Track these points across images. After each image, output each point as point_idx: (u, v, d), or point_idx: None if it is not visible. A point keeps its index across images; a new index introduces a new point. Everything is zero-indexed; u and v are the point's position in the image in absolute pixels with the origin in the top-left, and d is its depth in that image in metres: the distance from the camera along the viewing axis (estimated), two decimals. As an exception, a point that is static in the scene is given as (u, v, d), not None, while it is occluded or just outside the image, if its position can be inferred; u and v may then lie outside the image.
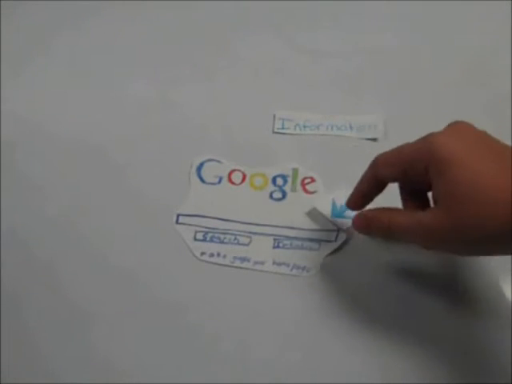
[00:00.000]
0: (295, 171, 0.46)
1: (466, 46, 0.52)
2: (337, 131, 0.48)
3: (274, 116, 0.49)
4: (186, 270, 0.42)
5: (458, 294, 0.41)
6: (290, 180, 0.46)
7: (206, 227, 0.44)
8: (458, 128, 0.34)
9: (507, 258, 0.42)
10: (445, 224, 0.32)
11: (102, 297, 0.41)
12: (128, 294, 0.41)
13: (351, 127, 0.48)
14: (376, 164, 0.37)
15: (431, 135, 0.34)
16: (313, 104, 0.49)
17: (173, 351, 0.40)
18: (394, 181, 0.37)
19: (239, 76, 0.51)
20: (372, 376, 0.39)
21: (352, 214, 0.42)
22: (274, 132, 0.48)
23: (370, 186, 0.38)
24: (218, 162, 0.47)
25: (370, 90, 0.50)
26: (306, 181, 0.46)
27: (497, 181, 0.31)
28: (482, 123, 0.48)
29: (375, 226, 0.37)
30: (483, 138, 0.34)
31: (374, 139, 0.47)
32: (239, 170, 0.46)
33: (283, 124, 0.48)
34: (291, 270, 0.42)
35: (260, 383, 0.39)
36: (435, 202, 0.34)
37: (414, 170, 0.35)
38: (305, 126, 0.48)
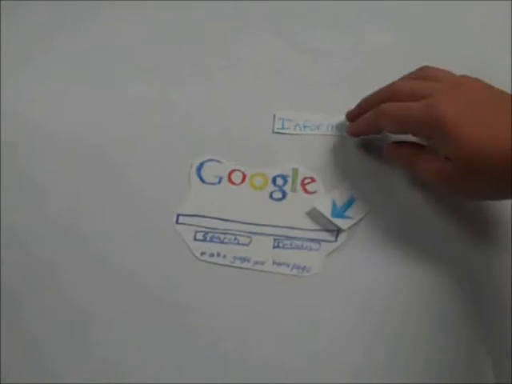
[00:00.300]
0: (295, 171, 0.46)
1: (466, 46, 0.52)
2: (337, 131, 0.48)
3: (274, 116, 0.49)
4: (186, 269, 0.42)
5: (459, 297, 0.41)
6: (290, 180, 0.46)
7: (206, 227, 0.44)
8: (461, 86, 0.38)
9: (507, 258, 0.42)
10: (457, 175, 0.37)
11: (102, 296, 0.41)
12: (128, 294, 0.41)
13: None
14: (380, 113, 0.41)
15: (433, 98, 0.37)
16: (313, 104, 0.49)
17: (173, 351, 0.40)
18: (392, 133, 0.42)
19: (239, 76, 0.51)
20: (373, 376, 0.39)
21: (352, 214, 0.42)
22: (273, 132, 0.48)
23: (369, 124, 0.43)
24: (218, 161, 0.47)
25: (369, 90, 0.50)
26: (306, 181, 0.46)
27: (497, 132, 0.35)
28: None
29: (402, 155, 0.42)
30: (485, 94, 0.38)
31: (374, 139, 0.47)
32: (239, 170, 0.46)
33: (283, 124, 0.48)
34: (291, 269, 0.42)
35: (260, 383, 0.39)
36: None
37: (417, 133, 0.39)
38: (305, 126, 0.48)
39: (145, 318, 0.41)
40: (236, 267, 0.42)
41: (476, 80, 0.40)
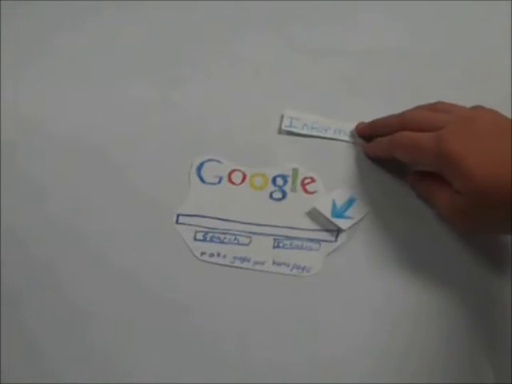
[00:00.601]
0: (295, 171, 0.46)
1: (466, 46, 0.52)
2: (344, 136, 0.48)
3: (283, 115, 0.49)
4: (186, 269, 0.42)
5: (460, 297, 0.41)
6: (290, 180, 0.46)
7: (206, 227, 0.44)
8: (472, 119, 0.38)
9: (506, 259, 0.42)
10: (468, 209, 0.37)
11: (102, 296, 0.41)
12: (128, 294, 0.41)
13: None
14: (393, 143, 0.41)
15: (442, 131, 0.38)
16: (313, 105, 0.49)
17: (172, 351, 0.40)
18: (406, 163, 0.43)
19: (239, 76, 0.51)
20: (374, 376, 0.39)
21: (352, 213, 0.43)
22: (281, 130, 0.48)
23: (383, 151, 0.44)
24: (218, 161, 0.47)
25: (372, 91, 0.50)
26: (306, 181, 0.46)
27: (505, 164, 0.35)
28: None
29: (420, 186, 0.43)
30: (496, 126, 0.38)
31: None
32: (239, 170, 0.46)
33: (291, 122, 0.48)
34: (291, 270, 0.42)
35: (260, 383, 0.39)
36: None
37: (427, 165, 0.40)
38: (312, 128, 0.48)
39: (145, 317, 0.41)
40: (236, 267, 0.42)
41: (488, 112, 0.40)
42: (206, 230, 0.44)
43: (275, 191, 0.45)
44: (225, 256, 0.43)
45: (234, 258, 0.42)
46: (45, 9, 0.55)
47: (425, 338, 0.40)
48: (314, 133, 0.48)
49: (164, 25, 0.54)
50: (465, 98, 0.49)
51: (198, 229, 0.44)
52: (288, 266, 0.42)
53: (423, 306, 0.41)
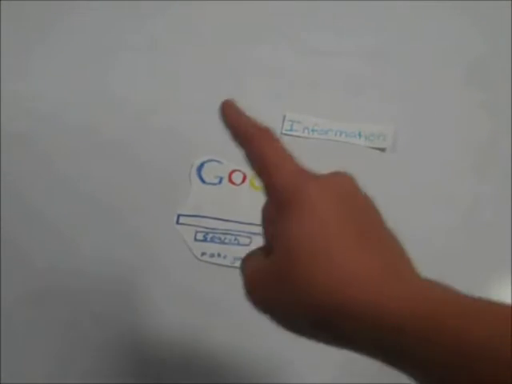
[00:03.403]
0: (295, 171, 0.46)
1: (466, 46, 0.52)
2: (345, 138, 0.47)
3: (284, 117, 0.49)
4: (187, 270, 0.42)
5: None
6: (290, 180, 0.46)
7: (207, 227, 0.44)
8: (337, 183, 0.28)
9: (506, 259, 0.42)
10: (271, 278, 0.26)
11: (103, 297, 0.41)
12: (128, 294, 0.41)
13: (360, 135, 0.48)
14: (252, 144, 0.31)
15: (302, 179, 0.28)
16: (317, 107, 0.49)
17: (172, 351, 0.40)
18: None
19: (242, 77, 0.51)
20: (373, 375, 0.39)
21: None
22: (281, 133, 0.48)
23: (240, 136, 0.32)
24: (219, 162, 0.47)
25: (374, 93, 0.50)
26: None
27: (338, 252, 0.25)
28: (482, 123, 0.48)
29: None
30: (354, 201, 0.28)
31: (382, 149, 0.47)
32: (240, 171, 0.46)
33: (292, 126, 0.48)
34: (292, 270, 0.42)
35: (261, 383, 0.39)
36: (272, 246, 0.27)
37: (268, 195, 0.29)
38: (313, 130, 0.48)
39: (144, 317, 0.41)
40: (236, 267, 0.42)
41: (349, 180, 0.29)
42: (207, 230, 0.44)
43: (275, 191, 0.45)
44: (225, 256, 0.43)
45: (235, 258, 0.42)
46: (45, 9, 0.55)
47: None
48: (315, 135, 0.48)
49: (165, 27, 0.54)
50: (465, 98, 0.49)
51: (199, 229, 0.44)
52: (288, 266, 0.42)
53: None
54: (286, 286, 0.25)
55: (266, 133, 0.31)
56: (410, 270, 0.25)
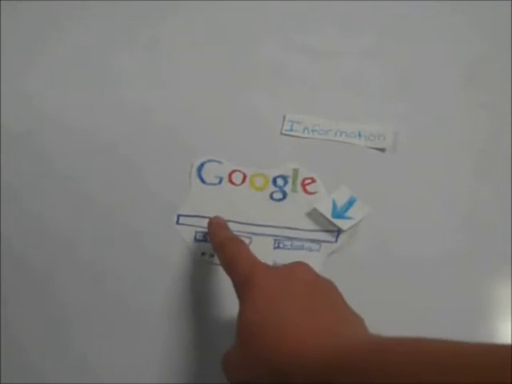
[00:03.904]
0: (295, 172, 0.46)
1: (466, 47, 0.52)
2: (345, 138, 0.47)
3: (284, 118, 0.49)
4: (187, 270, 0.42)
5: (460, 297, 0.41)
6: (290, 181, 0.46)
7: (207, 228, 0.44)
8: (288, 269, 0.33)
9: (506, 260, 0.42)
10: (236, 356, 0.31)
11: (102, 297, 0.41)
12: (128, 295, 0.41)
13: (360, 135, 0.48)
14: (218, 247, 0.37)
15: (254, 271, 0.33)
16: (317, 107, 0.49)
17: (173, 353, 0.40)
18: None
19: (243, 77, 0.51)
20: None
21: (352, 214, 0.42)
22: (281, 134, 0.48)
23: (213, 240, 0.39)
24: (219, 162, 0.47)
25: (374, 93, 0.50)
26: (307, 181, 0.46)
27: (287, 322, 0.29)
28: (481, 123, 0.48)
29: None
30: (310, 284, 0.32)
31: (382, 149, 0.47)
32: (239, 171, 0.46)
33: (292, 126, 0.48)
34: (292, 270, 0.42)
35: None
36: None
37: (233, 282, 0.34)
38: (313, 130, 0.48)
39: (145, 318, 0.41)
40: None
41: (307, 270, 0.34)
42: (207, 230, 0.43)
43: (275, 192, 0.45)
44: (225, 256, 0.43)
45: (235, 258, 0.42)
46: (46, 7, 0.55)
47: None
48: (316, 135, 0.48)
49: (173, 28, 0.54)
50: (465, 98, 0.49)
51: (199, 229, 0.44)
52: (288, 266, 0.42)
53: (423, 305, 0.41)
54: (246, 359, 0.30)
55: (232, 240, 0.37)
56: (350, 331, 0.30)
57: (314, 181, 0.46)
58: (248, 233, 0.43)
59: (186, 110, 0.50)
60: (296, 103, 0.49)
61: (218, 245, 0.37)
